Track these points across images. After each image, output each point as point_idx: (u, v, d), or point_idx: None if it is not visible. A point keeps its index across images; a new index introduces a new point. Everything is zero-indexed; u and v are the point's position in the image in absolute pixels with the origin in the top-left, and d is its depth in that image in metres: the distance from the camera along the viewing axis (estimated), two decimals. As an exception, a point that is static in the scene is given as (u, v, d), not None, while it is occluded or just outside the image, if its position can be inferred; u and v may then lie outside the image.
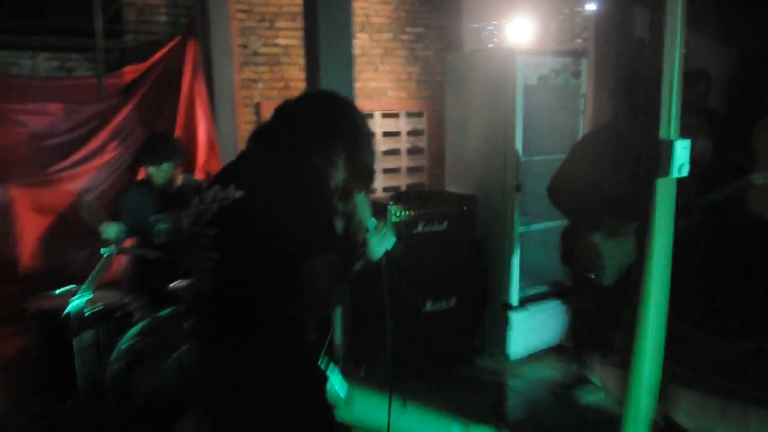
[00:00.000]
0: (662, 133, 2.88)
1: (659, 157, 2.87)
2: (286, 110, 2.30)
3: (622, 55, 6.11)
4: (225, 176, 2.22)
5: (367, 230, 2.32)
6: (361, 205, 2.28)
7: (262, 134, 2.32)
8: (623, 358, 4.77)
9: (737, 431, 3.28)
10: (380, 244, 2.36)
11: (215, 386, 2.24)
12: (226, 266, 2.10)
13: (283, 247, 2.04)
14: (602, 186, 3.78)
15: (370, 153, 2.33)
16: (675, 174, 2.86)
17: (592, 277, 3.91)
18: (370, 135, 2.35)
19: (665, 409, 3.54)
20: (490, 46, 7.35)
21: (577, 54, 5.13)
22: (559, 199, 4.08)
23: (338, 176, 2.26)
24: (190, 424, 3.34)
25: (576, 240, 4.01)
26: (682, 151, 2.85)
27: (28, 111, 5.23)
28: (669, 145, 2.84)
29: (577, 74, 5.04)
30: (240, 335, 2.12)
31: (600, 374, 4.46)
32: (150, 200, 4.45)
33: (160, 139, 4.55)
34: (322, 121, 2.25)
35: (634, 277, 3.32)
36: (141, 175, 5.19)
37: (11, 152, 5.16)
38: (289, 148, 2.20)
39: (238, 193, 2.08)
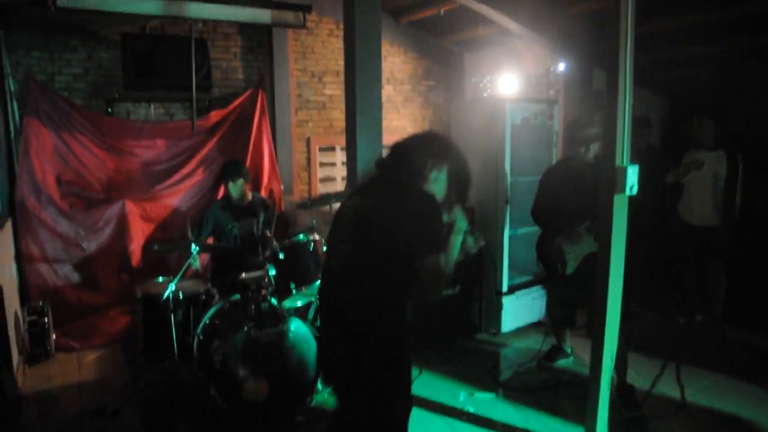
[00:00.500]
0: (617, 161, 2.80)
1: (615, 179, 2.79)
2: (401, 146, 2.28)
3: (583, 103, 6.06)
4: (355, 195, 2.28)
5: (464, 232, 2.31)
6: (459, 213, 2.26)
7: (384, 164, 2.30)
8: (587, 331, 4.71)
9: (672, 385, 3.21)
10: (473, 243, 2.39)
11: (333, 360, 2.23)
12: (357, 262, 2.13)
13: (404, 247, 2.05)
14: (561, 204, 3.88)
15: (466, 174, 2.30)
16: (627, 192, 2.79)
17: (559, 268, 3.91)
18: (465, 160, 2.32)
19: (620, 369, 3.45)
20: (485, 95, 7.31)
21: (551, 102, 5.09)
22: (537, 219, 4.16)
23: (444, 192, 2.24)
24: (255, 384, 3.28)
25: (547, 244, 4.03)
26: (632, 175, 2.79)
27: (142, 146, 5.28)
28: (623, 171, 2.77)
29: (551, 117, 4.98)
30: (361, 319, 2.11)
31: (569, 344, 4.37)
32: (228, 211, 4.43)
33: (234, 163, 4.54)
34: (433, 151, 2.22)
35: (588, 266, 3.47)
36: (220, 194, 5.18)
37: (129, 176, 5.22)
38: (408, 173, 2.18)
39: (369, 203, 2.16)
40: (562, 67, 6.33)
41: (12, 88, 4.76)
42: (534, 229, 4.77)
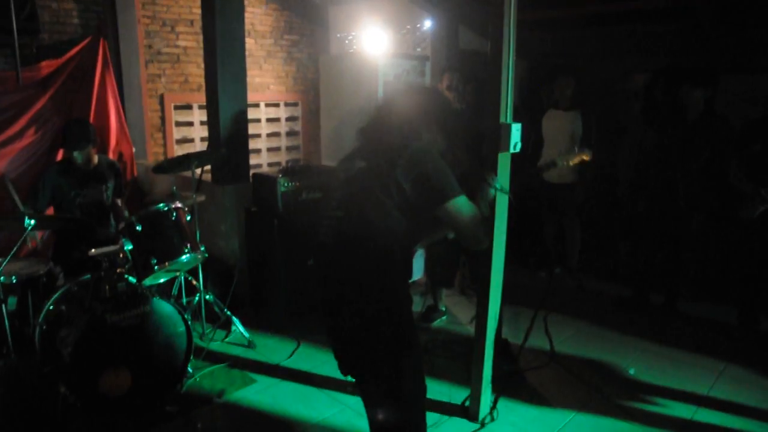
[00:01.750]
0: (501, 119, 2.73)
1: (499, 137, 2.73)
2: (384, 107, 2.16)
3: (450, 60, 6.07)
4: (349, 156, 2.12)
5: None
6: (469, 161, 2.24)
7: (368, 131, 2.14)
8: (460, 289, 4.80)
9: (541, 336, 3.34)
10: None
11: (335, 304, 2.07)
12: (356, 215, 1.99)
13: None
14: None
15: (454, 121, 2.20)
16: (511, 149, 2.74)
17: None
18: (450, 108, 2.26)
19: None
20: (350, 51, 7.05)
21: (423, 58, 4.99)
22: None
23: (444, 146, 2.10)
24: (115, 375, 2.86)
25: None
26: (516, 132, 2.74)
27: (-51, 101, 4.35)
28: (507, 128, 2.71)
29: (422, 73, 4.89)
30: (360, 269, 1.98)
31: (445, 303, 4.38)
32: (70, 177, 3.80)
33: (80, 125, 3.87)
34: (416, 109, 2.09)
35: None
36: (60, 156, 4.47)
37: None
38: (401, 136, 2.01)
39: (363, 164, 2.02)
40: (428, 24, 6.25)
41: None
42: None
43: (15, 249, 3.13)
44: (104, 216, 3.88)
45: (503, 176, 2.80)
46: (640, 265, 4.64)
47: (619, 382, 3.45)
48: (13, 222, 3.30)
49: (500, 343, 3.58)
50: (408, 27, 6.64)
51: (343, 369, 2.14)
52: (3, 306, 3.04)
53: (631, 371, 3.56)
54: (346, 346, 2.10)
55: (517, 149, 2.77)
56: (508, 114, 2.77)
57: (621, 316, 4.39)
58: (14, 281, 3.22)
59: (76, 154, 3.75)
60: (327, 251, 2.05)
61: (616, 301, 4.66)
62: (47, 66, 4.77)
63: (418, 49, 6.51)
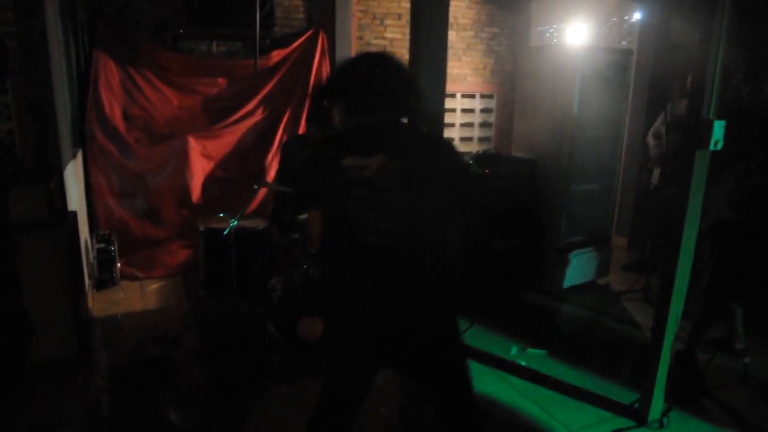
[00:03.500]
0: (704, 113, 2.60)
1: (700, 133, 2.60)
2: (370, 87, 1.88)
3: (658, 54, 5.70)
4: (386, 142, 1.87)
5: None
6: None
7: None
8: (644, 295, 4.55)
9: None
10: None
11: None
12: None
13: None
14: None
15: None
16: (711, 147, 2.58)
17: None
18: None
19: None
20: (551, 44, 6.95)
21: (627, 52, 4.76)
22: None
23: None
24: (311, 322, 3.31)
25: None
26: (719, 130, 2.58)
27: (204, 83, 5.28)
28: (709, 124, 2.57)
29: (625, 68, 4.67)
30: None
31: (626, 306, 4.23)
32: (303, 151, 4.31)
33: (320, 109, 4.34)
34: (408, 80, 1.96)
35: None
36: (302, 130, 5.14)
37: (191, 112, 5.24)
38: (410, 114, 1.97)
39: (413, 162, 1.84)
40: (637, 16, 5.93)
41: (82, 21, 4.79)
42: (594, 187, 4.60)
43: (245, 207, 3.79)
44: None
45: (699, 177, 2.68)
46: None
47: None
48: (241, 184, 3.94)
49: (688, 354, 3.42)
50: (614, 19, 6.37)
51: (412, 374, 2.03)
52: (232, 251, 3.70)
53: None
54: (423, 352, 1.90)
55: (718, 147, 2.62)
56: (711, 109, 2.63)
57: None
58: (241, 233, 3.87)
59: (315, 129, 4.06)
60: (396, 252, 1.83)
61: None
62: (276, 55, 5.54)
63: (623, 42, 6.22)
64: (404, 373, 2.05)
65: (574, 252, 4.75)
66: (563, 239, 4.67)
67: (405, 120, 1.98)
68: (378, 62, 1.93)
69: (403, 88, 1.92)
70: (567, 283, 4.78)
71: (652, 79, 5.81)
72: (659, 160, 4.89)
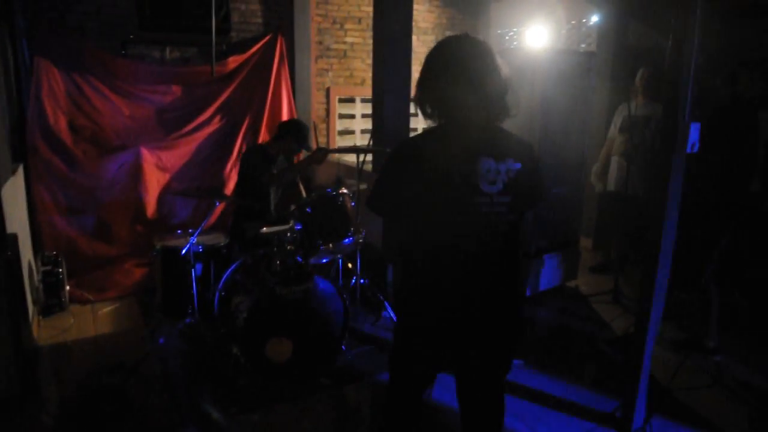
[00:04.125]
0: (679, 116, 2.55)
1: (675, 136, 2.54)
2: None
3: (617, 56, 5.74)
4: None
5: None
6: None
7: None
8: (613, 297, 4.53)
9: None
10: None
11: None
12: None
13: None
14: None
15: None
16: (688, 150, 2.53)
17: None
18: None
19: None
20: (510, 47, 6.94)
21: (590, 55, 4.76)
22: None
23: None
24: (279, 343, 3.13)
25: None
26: (694, 132, 2.54)
27: (158, 91, 5.03)
28: (686, 127, 2.52)
29: (589, 70, 4.65)
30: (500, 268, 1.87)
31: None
32: (266, 161, 4.01)
33: (306, 127, 4.11)
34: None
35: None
36: (262, 139, 5.03)
37: (143, 123, 4.98)
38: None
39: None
40: (595, 18, 5.96)
41: (21, 26, 4.47)
42: (561, 190, 4.57)
43: (203, 223, 3.57)
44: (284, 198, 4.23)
45: (675, 180, 2.63)
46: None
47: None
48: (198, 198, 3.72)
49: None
50: (573, 22, 6.39)
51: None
52: (192, 270, 3.47)
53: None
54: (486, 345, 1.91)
55: (695, 150, 2.58)
56: (686, 112, 2.58)
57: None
58: (201, 250, 3.65)
59: (301, 148, 4.10)
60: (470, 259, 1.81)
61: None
62: (234, 61, 5.32)
63: (583, 45, 6.24)
64: (462, 367, 2.00)
65: (544, 256, 4.69)
66: (533, 244, 4.60)
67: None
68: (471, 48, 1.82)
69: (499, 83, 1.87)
70: (538, 288, 4.70)
71: (612, 81, 5.84)
72: (629, 155, 4.84)
